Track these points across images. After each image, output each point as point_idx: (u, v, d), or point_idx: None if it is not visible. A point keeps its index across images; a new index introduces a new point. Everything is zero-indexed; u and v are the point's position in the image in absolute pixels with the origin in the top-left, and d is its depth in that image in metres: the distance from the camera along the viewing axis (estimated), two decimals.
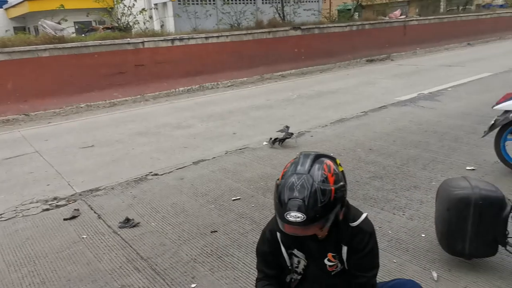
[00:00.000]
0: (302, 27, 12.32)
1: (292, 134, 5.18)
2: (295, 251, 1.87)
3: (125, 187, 4.10)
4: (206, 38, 10.51)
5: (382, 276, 2.39)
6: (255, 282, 2.03)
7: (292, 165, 1.67)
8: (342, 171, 1.72)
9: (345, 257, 1.83)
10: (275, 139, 5.15)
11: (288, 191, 1.58)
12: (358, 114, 6.47)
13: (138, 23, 10.83)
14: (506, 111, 3.75)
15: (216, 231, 3.16)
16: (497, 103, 3.81)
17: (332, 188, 1.59)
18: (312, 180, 1.57)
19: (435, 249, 2.72)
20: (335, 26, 13.28)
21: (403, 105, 6.89)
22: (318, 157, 1.68)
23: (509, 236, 2.41)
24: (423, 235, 2.93)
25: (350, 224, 1.79)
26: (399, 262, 2.64)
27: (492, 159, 4.10)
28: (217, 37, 10.70)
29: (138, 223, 3.32)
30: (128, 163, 4.83)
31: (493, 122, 3.86)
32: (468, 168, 4.03)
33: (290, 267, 1.93)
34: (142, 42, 9.41)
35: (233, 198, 3.71)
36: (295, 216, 1.55)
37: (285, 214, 1.57)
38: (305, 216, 1.54)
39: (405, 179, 3.89)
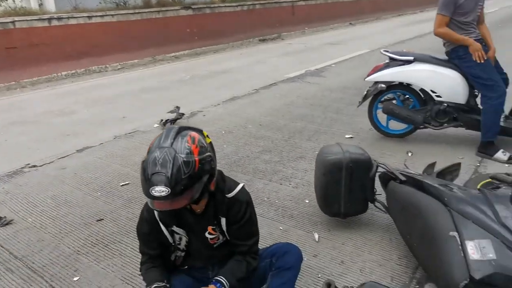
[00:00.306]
0: (193, 7, 12.07)
1: (183, 114, 5.10)
2: (175, 228, 1.85)
3: None
4: (89, 17, 9.75)
5: (269, 242, 2.48)
6: (139, 266, 1.99)
7: (156, 140, 1.64)
8: (210, 142, 1.72)
9: (225, 228, 1.86)
10: (166, 120, 5.02)
11: (151, 166, 1.54)
12: (250, 92, 6.60)
13: (6, 0, 9.63)
14: (376, 82, 4.12)
15: (102, 219, 3.00)
16: (368, 75, 4.15)
17: (196, 159, 1.58)
18: (175, 153, 1.55)
19: (317, 213, 2.90)
20: (226, 6, 13.25)
21: (292, 82, 7.19)
22: (181, 130, 1.66)
23: (376, 193, 2.67)
24: (306, 201, 3.12)
25: (226, 195, 1.81)
26: (285, 229, 2.78)
27: (367, 127, 4.49)
28: (102, 16, 9.99)
29: (12, 220, 3.01)
30: None
31: (365, 92, 4.22)
32: (346, 136, 4.37)
33: (173, 245, 1.91)
34: (13, 22, 8.40)
35: (121, 184, 3.56)
36: (159, 190, 1.52)
37: (150, 190, 1.53)
38: (169, 189, 1.52)
39: (291, 151, 4.09)
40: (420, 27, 13.70)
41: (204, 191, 1.66)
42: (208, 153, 1.67)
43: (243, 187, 1.89)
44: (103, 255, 2.59)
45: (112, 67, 9.60)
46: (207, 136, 1.76)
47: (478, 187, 2.28)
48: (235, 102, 6.06)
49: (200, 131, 1.75)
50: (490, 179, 2.32)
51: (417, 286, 2.17)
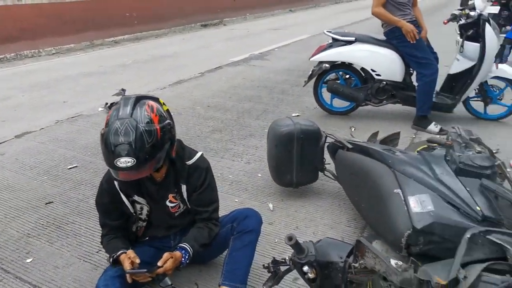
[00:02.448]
0: None
1: None
2: (136, 198, 1.87)
3: None
4: None
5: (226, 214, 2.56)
6: (100, 239, 1.98)
7: (114, 111, 1.64)
8: (167, 110, 1.76)
9: (185, 195, 1.90)
10: (112, 103, 4.85)
11: (113, 138, 1.55)
12: (196, 75, 6.57)
13: None
14: (320, 62, 4.29)
15: (52, 202, 2.90)
16: (312, 55, 4.31)
17: (158, 127, 1.62)
18: (136, 123, 1.57)
19: (270, 185, 3.03)
20: None
21: (237, 65, 7.25)
22: (139, 99, 1.68)
23: (325, 163, 2.83)
24: (259, 175, 3.23)
25: (186, 162, 1.86)
26: (240, 201, 2.87)
27: (312, 105, 4.68)
28: None
29: None
30: None
31: (310, 72, 4.38)
32: (293, 115, 4.50)
33: (134, 215, 1.92)
34: None
35: (69, 167, 3.44)
36: (125, 161, 1.54)
37: (115, 162, 1.55)
38: (135, 159, 1.55)
39: (241, 130, 4.17)
40: (357, 14, 14.27)
41: (166, 157, 1.70)
42: (168, 121, 1.71)
43: (202, 154, 1.94)
44: (56, 236, 2.52)
45: (46, 51, 9.06)
46: (163, 103, 1.79)
47: (417, 150, 2.50)
48: (182, 85, 6.01)
49: (156, 99, 1.77)
50: (426, 144, 2.55)
51: None
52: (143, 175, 1.65)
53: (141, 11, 11.73)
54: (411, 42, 3.74)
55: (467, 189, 1.95)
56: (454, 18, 3.84)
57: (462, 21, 3.83)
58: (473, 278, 1.41)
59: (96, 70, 7.18)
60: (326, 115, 4.48)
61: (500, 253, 1.57)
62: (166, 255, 1.73)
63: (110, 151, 1.57)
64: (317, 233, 2.48)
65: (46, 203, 2.89)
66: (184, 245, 1.85)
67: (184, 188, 1.88)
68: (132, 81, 6.27)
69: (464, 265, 1.49)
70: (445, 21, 3.90)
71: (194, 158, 1.88)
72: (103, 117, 4.71)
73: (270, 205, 2.78)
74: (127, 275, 1.68)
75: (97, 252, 2.35)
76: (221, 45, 9.50)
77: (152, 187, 1.87)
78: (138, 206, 1.90)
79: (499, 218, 1.87)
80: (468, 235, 1.55)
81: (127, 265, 1.68)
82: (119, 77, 6.60)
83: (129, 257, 1.71)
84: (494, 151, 3.14)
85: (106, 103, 4.94)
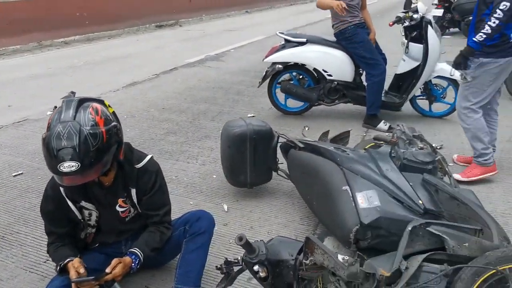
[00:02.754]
0: None
1: None
2: (84, 203, 1.81)
3: None
4: None
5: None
6: (47, 248, 1.90)
7: (56, 114, 1.59)
8: (113, 112, 1.72)
9: (135, 199, 1.87)
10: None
11: (55, 142, 1.50)
12: (150, 77, 6.45)
13: None
14: (274, 63, 4.34)
15: None
16: (266, 56, 4.35)
17: (103, 130, 1.58)
18: (80, 126, 1.53)
19: (225, 186, 3.02)
20: None
21: (192, 66, 7.20)
22: (82, 102, 1.63)
23: (279, 162, 2.87)
24: (214, 176, 3.22)
25: (135, 166, 1.83)
26: (195, 203, 2.85)
27: (267, 106, 4.73)
28: None
29: None
30: None
31: (264, 73, 4.42)
32: (249, 115, 4.53)
33: (82, 221, 1.86)
34: None
35: (14, 174, 3.29)
36: (68, 166, 1.49)
37: (58, 167, 1.50)
38: (79, 163, 1.50)
39: (197, 131, 4.15)
40: (311, 15, 14.52)
41: (114, 161, 1.66)
42: (114, 123, 1.67)
43: (151, 157, 1.91)
44: (0, 247, 2.40)
45: None
46: (109, 106, 1.75)
47: (365, 148, 2.59)
48: (135, 87, 5.89)
49: (101, 101, 1.74)
50: (374, 142, 2.65)
51: None
52: (89, 179, 1.61)
53: (93, 10, 11.35)
54: (342, 14, 3.75)
55: (410, 184, 2.04)
56: (399, 20, 4.00)
57: (406, 23, 4.00)
58: (414, 269, 1.48)
59: (44, 72, 6.89)
60: (281, 115, 4.54)
61: (439, 244, 1.66)
62: (114, 260, 1.70)
63: (52, 156, 1.52)
64: (271, 232, 2.50)
65: None
66: (135, 250, 1.82)
67: (133, 192, 1.85)
68: (83, 83, 6.06)
69: (406, 257, 1.56)
70: (391, 23, 4.07)
71: (143, 161, 1.85)
72: None
73: (225, 206, 2.79)
74: (72, 284, 1.63)
75: (44, 262, 2.26)
76: (176, 46, 9.39)
77: (101, 193, 1.82)
78: (86, 212, 1.84)
79: (440, 211, 1.97)
80: (409, 227, 1.63)
81: (72, 274, 1.63)
82: (69, 79, 6.37)
83: (74, 266, 1.65)
84: (438, 147, 3.32)
85: (55, 107, 4.76)
